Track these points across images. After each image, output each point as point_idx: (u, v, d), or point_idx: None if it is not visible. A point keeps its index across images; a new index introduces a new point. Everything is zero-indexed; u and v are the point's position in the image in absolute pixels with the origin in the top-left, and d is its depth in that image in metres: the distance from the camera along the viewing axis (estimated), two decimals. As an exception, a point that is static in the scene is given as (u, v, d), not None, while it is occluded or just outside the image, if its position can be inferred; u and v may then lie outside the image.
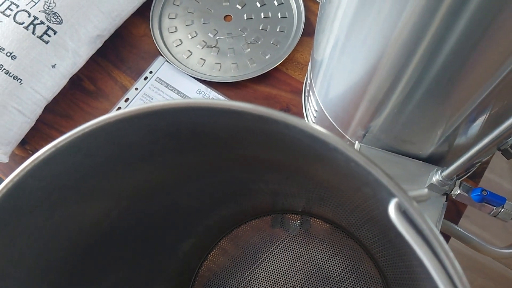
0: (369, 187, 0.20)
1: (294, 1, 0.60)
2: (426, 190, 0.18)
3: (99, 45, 0.57)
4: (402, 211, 0.17)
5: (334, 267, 0.47)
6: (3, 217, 0.22)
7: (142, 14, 0.60)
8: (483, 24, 0.27)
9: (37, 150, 0.53)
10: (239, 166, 0.29)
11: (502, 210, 0.39)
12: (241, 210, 0.44)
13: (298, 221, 0.50)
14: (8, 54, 0.50)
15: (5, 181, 0.23)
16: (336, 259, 0.47)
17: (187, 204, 0.36)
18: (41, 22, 0.51)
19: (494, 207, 0.39)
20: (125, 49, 0.59)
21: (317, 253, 0.48)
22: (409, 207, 0.17)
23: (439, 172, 0.39)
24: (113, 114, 0.21)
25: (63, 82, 0.54)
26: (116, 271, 0.33)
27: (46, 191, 0.23)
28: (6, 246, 0.23)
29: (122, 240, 0.32)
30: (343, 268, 0.47)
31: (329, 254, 0.48)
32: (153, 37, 0.58)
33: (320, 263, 0.48)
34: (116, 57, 0.59)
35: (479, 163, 0.50)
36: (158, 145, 0.25)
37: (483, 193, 0.38)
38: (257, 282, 0.48)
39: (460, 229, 0.44)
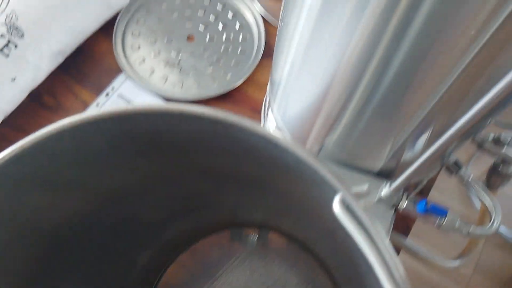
0: (317, 187, 0.21)
1: (255, 25, 0.63)
2: (366, 186, 0.20)
3: (61, 60, 0.57)
4: (346, 206, 0.19)
5: (291, 280, 0.49)
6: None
7: (106, 31, 0.61)
8: (421, 52, 0.30)
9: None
10: (199, 176, 0.30)
11: (445, 221, 0.41)
12: (201, 224, 0.45)
13: (256, 235, 0.51)
14: (-34, 66, 0.50)
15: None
16: (293, 272, 0.49)
17: (147, 215, 0.36)
18: (2, 36, 0.51)
19: (438, 218, 0.41)
20: (87, 65, 0.60)
21: (274, 266, 0.49)
22: (350, 200, 0.18)
23: (388, 185, 0.42)
24: (77, 116, 0.22)
25: (23, 96, 0.54)
26: (73, 279, 0.33)
27: (8, 190, 0.23)
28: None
29: (81, 247, 0.32)
30: (299, 281, 0.48)
31: (285, 267, 0.49)
32: (115, 54, 0.59)
33: (277, 276, 0.49)
34: (78, 72, 0.59)
35: (426, 179, 0.53)
36: (120, 151, 0.26)
37: (427, 205, 0.40)
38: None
39: (408, 241, 0.46)
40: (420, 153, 0.44)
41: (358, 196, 0.18)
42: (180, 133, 0.23)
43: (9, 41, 0.52)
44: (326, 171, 0.19)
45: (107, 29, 0.61)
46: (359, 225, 0.18)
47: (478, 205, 1.16)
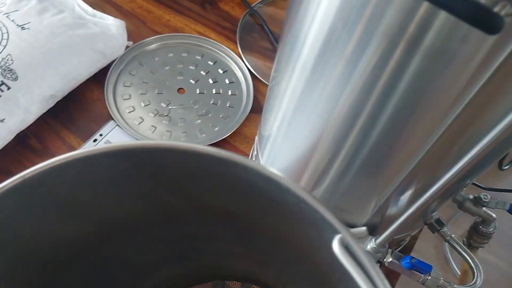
0: (316, 228, 0.22)
1: (244, 81, 0.65)
2: (364, 228, 0.20)
3: (52, 104, 0.58)
4: (345, 246, 0.19)
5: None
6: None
7: (97, 80, 0.62)
8: (403, 115, 0.31)
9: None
10: (193, 217, 0.30)
11: (429, 277, 0.42)
12: (184, 273, 0.44)
13: (238, 289, 0.50)
14: (-44, 104, 0.50)
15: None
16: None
17: (133, 258, 0.35)
18: (-4, 77, 0.52)
19: (422, 275, 0.42)
20: (77, 111, 0.60)
21: (256, 322, 0.48)
22: (351, 240, 0.19)
23: (373, 240, 0.42)
24: (80, 151, 0.23)
25: (9, 137, 0.54)
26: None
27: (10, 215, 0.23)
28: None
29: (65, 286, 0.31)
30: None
31: (267, 324, 0.48)
32: (106, 102, 0.60)
33: (258, 332, 0.48)
34: (66, 118, 0.60)
35: (409, 236, 0.54)
36: (115, 187, 0.26)
37: (412, 260, 0.41)
38: None
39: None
40: (404, 210, 0.45)
41: (357, 238, 0.19)
42: (181, 170, 0.24)
43: (2, 83, 0.52)
44: (326, 211, 0.20)
45: (99, 78, 0.62)
46: (358, 266, 0.19)
47: (454, 267, 1.16)
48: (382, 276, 0.18)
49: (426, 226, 0.50)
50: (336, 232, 0.20)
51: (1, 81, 0.52)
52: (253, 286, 0.49)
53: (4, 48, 0.53)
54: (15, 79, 0.53)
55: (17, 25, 0.55)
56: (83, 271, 0.34)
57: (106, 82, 0.62)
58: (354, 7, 0.28)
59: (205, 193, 0.26)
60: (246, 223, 0.29)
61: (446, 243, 0.60)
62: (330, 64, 0.33)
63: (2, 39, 0.54)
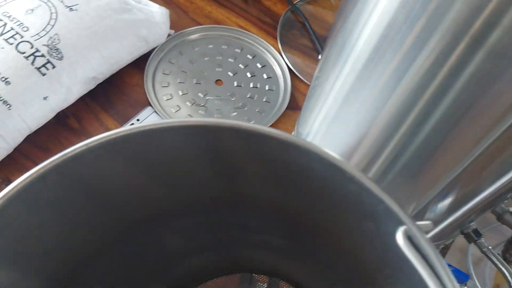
0: (374, 219, 0.21)
1: (282, 77, 0.65)
2: (430, 222, 0.20)
3: (92, 86, 0.58)
4: (409, 238, 0.19)
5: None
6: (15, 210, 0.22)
7: (137, 66, 0.63)
8: (455, 118, 0.31)
9: (8, 179, 0.52)
10: (238, 205, 0.30)
11: (465, 287, 0.41)
12: (214, 263, 0.44)
13: (266, 284, 0.49)
14: (3, 79, 0.51)
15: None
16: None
17: (169, 242, 0.36)
18: (42, 55, 0.53)
19: (459, 284, 0.41)
20: (115, 94, 0.61)
21: (282, 318, 0.47)
22: (417, 232, 0.18)
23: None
24: (128, 127, 0.23)
25: (51, 115, 0.55)
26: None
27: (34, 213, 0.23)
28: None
29: (105, 265, 0.31)
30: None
31: (293, 320, 0.47)
32: (145, 88, 0.61)
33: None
34: (105, 100, 0.60)
35: (442, 245, 0.53)
36: (173, 168, 0.26)
37: (449, 268, 0.40)
38: None
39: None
40: (443, 217, 0.44)
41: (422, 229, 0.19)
42: (240, 153, 0.24)
43: (48, 61, 0.53)
44: (392, 202, 0.19)
45: (139, 64, 0.63)
46: (424, 259, 0.18)
47: (477, 285, 1.14)
48: (449, 271, 0.18)
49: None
50: (400, 223, 0.19)
51: (47, 59, 0.53)
52: (281, 281, 0.49)
53: (52, 28, 0.54)
54: (61, 58, 0.54)
55: (66, 6, 0.56)
56: (122, 252, 0.34)
57: (146, 69, 0.62)
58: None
59: (257, 180, 0.26)
60: (293, 214, 0.28)
61: (469, 259, 0.59)
62: (386, 59, 0.32)
63: (50, 19, 0.54)
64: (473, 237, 0.46)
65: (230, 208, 0.30)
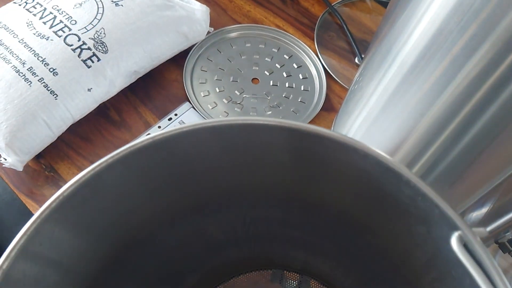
0: (426, 224, 0.22)
1: (317, 78, 0.66)
2: (484, 228, 0.20)
3: (133, 80, 0.60)
4: (464, 244, 0.20)
5: (326, 333, 0.47)
6: (83, 194, 0.23)
7: (176, 62, 0.64)
8: (499, 126, 0.30)
9: (51, 166, 0.54)
10: (283, 202, 0.31)
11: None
12: (250, 257, 0.45)
13: (296, 281, 0.50)
14: (51, 70, 0.53)
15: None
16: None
17: (209, 233, 0.37)
18: (88, 48, 0.55)
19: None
20: (154, 89, 0.62)
21: (311, 316, 0.48)
22: (472, 238, 0.19)
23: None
24: (189, 124, 0.24)
25: (93, 106, 0.57)
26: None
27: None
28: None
29: (145, 255, 0.32)
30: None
31: (322, 319, 0.48)
32: (184, 83, 0.62)
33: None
34: (145, 94, 0.62)
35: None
36: (225, 161, 0.27)
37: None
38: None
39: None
40: (478, 226, 0.44)
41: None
42: (297, 152, 0.24)
43: (93, 54, 0.55)
44: (448, 207, 0.20)
45: (178, 60, 0.64)
46: (479, 265, 0.19)
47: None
48: (505, 279, 0.18)
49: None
50: (454, 228, 0.20)
51: (93, 52, 0.55)
52: (311, 279, 0.50)
53: (98, 22, 0.56)
54: (105, 52, 0.56)
55: (112, 1, 0.58)
56: (166, 239, 0.35)
57: (185, 65, 0.64)
58: (471, 6, 0.27)
59: (312, 180, 0.26)
60: (340, 214, 0.29)
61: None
62: (433, 65, 0.33)
63: (97, 13, 0.56)
64: (508, 247, 0.46)
65: (274, 204, 0.31)
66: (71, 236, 0.25)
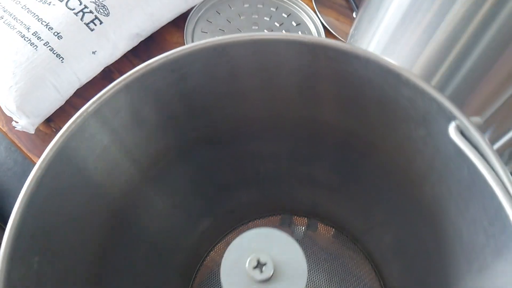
0: (425, 124, 0.23)
1: (316, 35, 0.66)
2: (479, 118, 0.22)
3: (136, 43, 0.61)
4: (461, 132, 0.21)
5: (336, 272, 0.49)
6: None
7: (177, 25, 0.65)
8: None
9: (61, 129, 0.55)
10: (288, 131, 0.32)
11: None
12: (259, 201, 0.47)
13: (304, 226, 0.52)
14: (56, 33, 0.54)
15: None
16: (338, 263, 0.50)
17: (220, 171, 0.38)
18: (90, 11, 0.56)
19: None
20: (157, 52, 0.63)
21: (320, 257, 0.50)
22: (469, 125, 0.20)
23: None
24: (199, 42, 0.25)
25: (99, 69, 0.58)
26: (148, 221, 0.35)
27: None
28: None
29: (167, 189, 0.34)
30: (344, 272, 0.49)
31: (331, 259, 0.50)
32: (186, 44, 0.63)
33: (321, 267, 0.50)
34: (148, 57, 0.63)
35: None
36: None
37: None
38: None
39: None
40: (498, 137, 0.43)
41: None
42: (298, 67, 0.26)
43: (96, 17, 0.56)
44: (444, 98, 0.21)
45: (178, 22, 0.65)
46: (477, 150, 0.20)
47: None
48: (499, 158, 0.20)
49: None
50: (452, 118, 0.21)
51: (95, 15, 0.56)
52: (319, 222, 0.51)
53: (98, -15, 0.57)
54: (107, 14, 0.57)
55: (110, -36, 0.58)
56: (179, 177, 0.37)
57: (185, 27, 0.64)
58: None
59: (318, 100, 0.28)
60: (344, 135, 0.30)
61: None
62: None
63: (97, -24, 0.57)
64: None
65: (285, 135, 0.33)
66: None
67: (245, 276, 0.24)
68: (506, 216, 0.19)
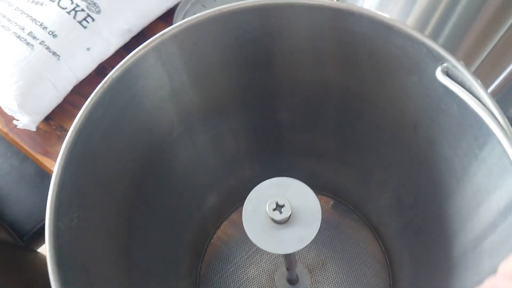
0: (417, 71, 0.26)
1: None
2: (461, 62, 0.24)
3: (127, 39, 0.63)
4: (447, 72, 0.24)
5: (336, 239, 0.52)
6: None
7: (164, 20, 0.67)
8: None
9: (61, 126, 0.57)
10: (289, 99, 0.35)
11: None
12: (261, 175, 0.49)
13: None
14: (50, 32, 0.56)
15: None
16: (339, 231, 0.52)
17: (225, 143, 0.40)
18: (82, 10, 0.58)
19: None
20: (148, 47, 0.66)
21: (320, 226, 0.53)
22: (457, 65, 0.23)
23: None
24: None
25: (93, 66, 0.60)
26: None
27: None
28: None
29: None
30: (345, 240, 0.52)
31: (331, 228, 0.53)
32: (175, 38, 0.65)
33: (322, 234, 0.52)
34: (139, 52, 0.65)
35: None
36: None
37: None
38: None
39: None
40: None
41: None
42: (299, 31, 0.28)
43: (88, 15, 0.58)
44: (433, 42, 0.24)
45: (165, 17, 0.67)
46: (465, 88, 0.23)
47: None
48: (487, 92, 0.23)
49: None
50: (441, 60, 0.24)
51: (87, 13, 0.58)
52: (319, 194, 0.54)
53: (88, -16, 0.58)
54: (98, 12, 0.58)
55: (97, -36, 0.60)
56: (186, 151, 0.39)
57: (173, 22, 0.67)
58: None
59: (318, 61, 0.30)
60: (340, 95, 0.33)
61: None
62: None
63: (86, -24, 0.59)
64: None
65: (279, 101, 0.35)
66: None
67: (265, 219, 0.27)
68: (493, 135, 0.22)
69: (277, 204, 0.26)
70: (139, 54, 0.28)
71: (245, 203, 0.27)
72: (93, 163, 0.27)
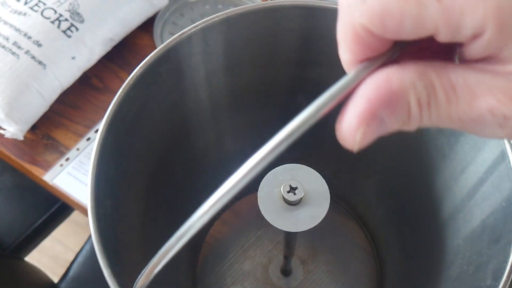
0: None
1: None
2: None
3: (109, 48, 0.64)
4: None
5: (327, 234, 0.55)
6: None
7: (144, 29, 0.69)
8: None
9: (47, 135, 0.57)
10: (282, 95, 0.37)
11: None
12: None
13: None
14: (35, 42, 0.56)
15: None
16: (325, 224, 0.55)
17: (227, 142, 0.43)
18: (66, 19, 0.58)
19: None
20: (130, 55, 0.67)
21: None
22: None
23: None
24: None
25: (78, 74, 0.60)
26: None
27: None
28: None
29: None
30: (335, 235, 0.55)
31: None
32: (156, 47, 0.67)
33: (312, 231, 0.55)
34: (122, 61, 0.66)
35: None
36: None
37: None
38: (260, 240, 0.54)
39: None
40: None
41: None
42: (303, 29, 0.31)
43: (72, 25, 0.59)
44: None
45: (145, 26, 0.69)
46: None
47: None
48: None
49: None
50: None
51: (71, 23, 0.59)
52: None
53: (70, -6, 0.59)
54: (82, 21, 0.60)
55: (78, -25, 0.61)
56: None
57: (154, 30, 0.68)
58: None
59: (312, 58, 0.33)
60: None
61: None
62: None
63: (68, -14, 0.60)
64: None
65: (272, 89, 0.38)
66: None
67: (279, 200, 0.29)
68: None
69: (290, 187, 0.29)
70: (184, 35, 0.31)
71: (259, 188, 0.30)
72: (119, 156, 0.29)
